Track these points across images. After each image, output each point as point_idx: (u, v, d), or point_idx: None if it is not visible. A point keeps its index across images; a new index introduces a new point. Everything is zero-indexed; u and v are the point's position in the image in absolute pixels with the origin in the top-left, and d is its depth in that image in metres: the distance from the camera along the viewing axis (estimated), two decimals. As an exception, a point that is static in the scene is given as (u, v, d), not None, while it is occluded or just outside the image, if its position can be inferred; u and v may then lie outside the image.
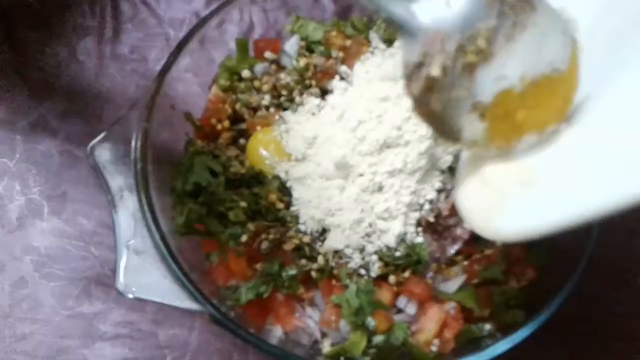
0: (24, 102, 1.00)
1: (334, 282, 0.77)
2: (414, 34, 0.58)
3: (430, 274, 0.79)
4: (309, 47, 0.91)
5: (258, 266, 0.78)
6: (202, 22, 0.85)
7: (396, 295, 0.77)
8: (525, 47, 0.59)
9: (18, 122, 0.99)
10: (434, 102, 0.59)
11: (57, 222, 0.94)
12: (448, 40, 0.57)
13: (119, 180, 0.79)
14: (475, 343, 0.76)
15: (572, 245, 0.74)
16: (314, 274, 0.77)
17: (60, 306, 0.90)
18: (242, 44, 0.91)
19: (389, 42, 0.89)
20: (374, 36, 0.90)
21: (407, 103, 0.63)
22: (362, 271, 0.78)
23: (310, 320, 0.77)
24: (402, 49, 0.60)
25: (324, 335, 0.77)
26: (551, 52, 0.61)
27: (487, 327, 0.77)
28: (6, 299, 0.90)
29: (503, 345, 0.71)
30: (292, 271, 0.76)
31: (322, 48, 0.90)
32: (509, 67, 0.59)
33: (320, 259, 0.77)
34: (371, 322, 0.74)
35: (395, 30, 0.76)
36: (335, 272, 0.77)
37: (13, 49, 1.03)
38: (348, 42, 0.88)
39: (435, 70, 0.58)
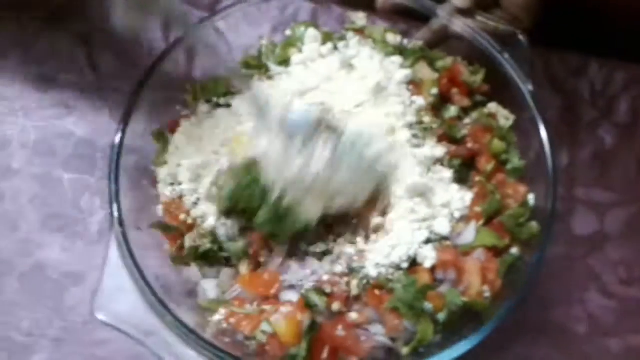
0: (104, 122, 1.04)
1: (376, 292, 0.77)
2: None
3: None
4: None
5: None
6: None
7: (432, 271, 0.78)
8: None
9: (98, 142, 1.03)
10: None
11: (135, 234, 0.96)
12: None
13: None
14: (514, 270, 0.79)
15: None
16: (353, 291, 0.78)
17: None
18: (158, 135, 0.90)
19: (284, 62, 0.91)
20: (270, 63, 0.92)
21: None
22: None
23: (378, 336, 0.76)
24: None
25: (394, 340, 0.77)
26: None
27: (514, 251, 0.80)
28: (87, 306, 0.92)
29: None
30: (336, 306, 0.77)
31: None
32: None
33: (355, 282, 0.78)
34: (428, 306, 0.75)
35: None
36: (371, 282, 0.78)
37: (94, 72, 1.08)
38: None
39: None
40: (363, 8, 0.99)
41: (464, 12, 0.90)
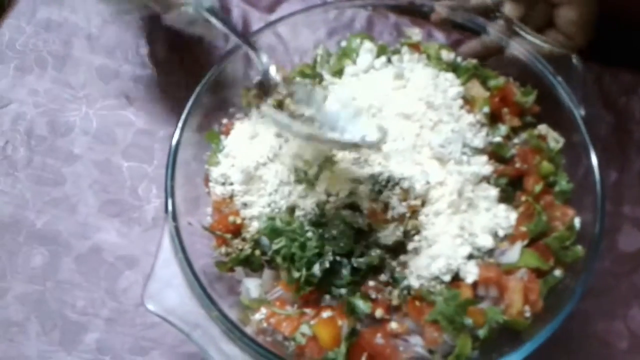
0: (163, 114, 1.07)
1: (417, 303, 0.78)
2: None
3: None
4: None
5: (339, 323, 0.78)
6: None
7: (474, 287, 0.79)
8: None
9: (157, 133, 1.06)
10: None
11: (186, 229, 0.98)
12: None
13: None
14: (556, 292, 0.79)
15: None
16: (394, 301, 0.78)
17: (187, 298, 0.95)
18: (212, 136, 0.92)
19: (338, 73, 0.92)
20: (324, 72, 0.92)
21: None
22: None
23: (417, 347, 0.77)
24: None
25: (431, 352, 0.78)
26: None
27: (557, 273, 0.80)
28: (139, 289, 0.94)
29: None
30: (379, 313, 0.77)
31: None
32: None
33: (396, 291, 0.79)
34: (468, 320, 0.76)
35: None
36: (412, 293, 0.78)
37: (155, 65, 1.11)
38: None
39: None
40: (418, 16, 0.99)
41: (513, 29, 0.89)
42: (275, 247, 0.80)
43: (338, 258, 0.79)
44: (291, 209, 0.84)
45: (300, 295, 0.80)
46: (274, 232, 0.81)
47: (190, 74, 1.08)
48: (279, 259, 0.81)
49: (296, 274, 0.79)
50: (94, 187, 1.03)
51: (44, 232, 1.00)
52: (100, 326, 0.95)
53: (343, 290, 0.79)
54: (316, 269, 0.78)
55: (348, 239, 0.79)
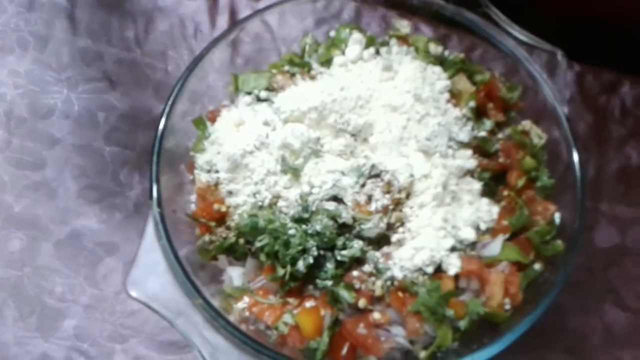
0: (146, 99, 1.05)
1: (400, 293, 0.78)
2: None
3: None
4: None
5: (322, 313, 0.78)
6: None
7: (456, 279, 0.79)
8: None
9: (141, 118, 1.04)
10: None
11: (170, 216, 0.97)
12: None
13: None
14: (535, 285, 0.80)
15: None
16: (377, 291, 0.78)
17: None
18: (199, 122, 0.90)
19: (327, 63, 0.92)
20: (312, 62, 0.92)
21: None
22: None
23: (398, 337, 0.78)
24: None
25: (412, 342, 0.78)
26: None
27: (537, 266, 0.81)
28: (120, 276, 0.95)
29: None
30: (362, 303, 0.77)
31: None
32: None
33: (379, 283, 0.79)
34: (450, 312, 0.77)
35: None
36: (396, 284, 0.78)
37: (139, 50, 1.09)
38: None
39: None
40: (406, 10, 0.99)
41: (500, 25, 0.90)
42: (258, 244, 0.80)
43: (322, 252, 0.79)
44: (272, 204, 0.83)
45: (286, 290, 0.79)
46: (255, 230, 0.80)
47: (176, 60, 1.08)
48: (262, 257, 0.80)
49: (281, 271, 0.78)
50: (75, 172, 1.01)
51: (22, 216, 0.98)
52: (79, 313, 0.93)
53: (328, 283, 0.79)
54: (300, 265, 0.78)
55: (331, 233, 0.79)
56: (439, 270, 0.80)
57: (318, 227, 0.79)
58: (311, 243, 0.78)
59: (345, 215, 0.80)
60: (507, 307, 0.79)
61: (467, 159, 0.85)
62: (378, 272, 0.79)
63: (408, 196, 0.82)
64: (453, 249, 0.80)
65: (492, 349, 0.75)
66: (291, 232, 0.79)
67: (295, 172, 0.83)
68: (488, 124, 0.89)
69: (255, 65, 0.96)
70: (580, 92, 1.07)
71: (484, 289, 0.79)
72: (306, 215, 0.80)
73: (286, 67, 0.91)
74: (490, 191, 0.86)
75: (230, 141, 0.86)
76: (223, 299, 0.82)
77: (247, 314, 0.80)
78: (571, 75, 1.04)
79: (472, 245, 0.82)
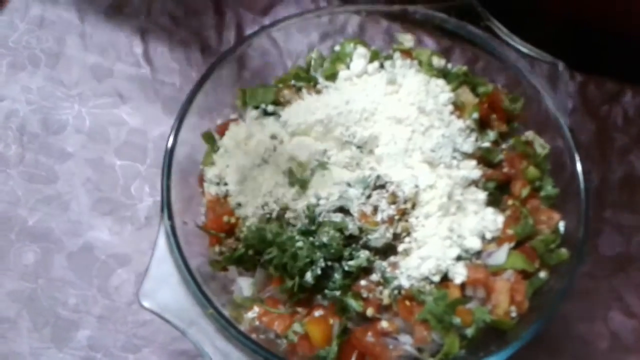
0: (156, 114, 1.07)
1: (407, 302, 0.80)
2: None
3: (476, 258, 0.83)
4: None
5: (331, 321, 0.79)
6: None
7: (462, 287, 0.80)
8: None
9: (150, 132, 1.06)
10: None
11: (181, 228, 0.98)
12: None
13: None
14: (541, 293, 0.81)
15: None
16: (385, 300, 0.79)
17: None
18: (208, 136, 0.92)
19: (332, 77, 0.93)
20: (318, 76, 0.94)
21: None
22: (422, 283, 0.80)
23: (406, 346, 0.79)
24: None
25: (420, 350, 0.79)
26: None
27: (542, 274, 0.82)
28: (132, 287, 0.97)
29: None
30: (370, 311, 0.79)
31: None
32: None
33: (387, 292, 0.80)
34: (456, 320, 0.78)
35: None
36: (403, 292, 0.80)
37: (149, 65, 1.11)
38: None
39: None
40: (410, 23, 1.00)
41: (501, 37, 0.91)
42: (266, 257, 0.81)
43: (329, 263, 0.80)
44: (280, 216, 0.84)
45: (294, 300, 0.81)
46: (263, 242, 0.82)
47: (184, 75, 1.10)
48: (271, 269, 0.81)
49: (289, 282, 0.80)
50: (87, 185, 1.03)
51: (36, 230, 1.00)
52: (92, 323, 0.95)
53: (336, 292, 0.80)
54: (308, 276, 0.79)
55: (338, 244, 0.80)
56: (445, 279, 0.81)
57: (325, 239, 0.80)
58: (318, 255, 0.80)
59: (352, 227, 0.81)
60: (514, 314, 0.80)
61: (472, 170, 0.87)
62: (385, 281, 0.80)
63: (414, 206, 0.84)
64: (459, 258, 0.82)
65: (499, 356, 0.76)
66: (299, 244, 0.80)
67: (302, 184, 0.84)
68: (492, 134, 0.90)
69: (262, 80, 0.98)
70: (583, 102, 1.08)
71: (490, 297, 0.80)
72: (313, 228, 0.82)
73: (292, 82, 0.93)
74: (495, 201, 0.87)
75: (239, 154, 0.88)
76: (234, 309, 0.83)
77: (257, 323, 0.82)
78: (573, 84, 1.05)
79: (478, 254, 0.83)
